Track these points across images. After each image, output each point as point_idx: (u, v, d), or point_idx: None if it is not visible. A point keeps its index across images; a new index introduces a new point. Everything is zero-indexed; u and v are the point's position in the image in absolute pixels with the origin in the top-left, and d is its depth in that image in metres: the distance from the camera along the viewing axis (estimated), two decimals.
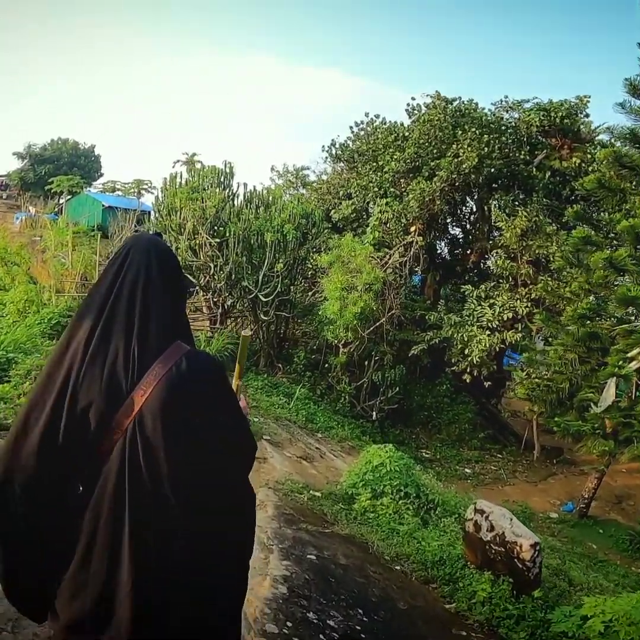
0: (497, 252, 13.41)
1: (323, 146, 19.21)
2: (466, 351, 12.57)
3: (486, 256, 17.01)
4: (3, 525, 1.40)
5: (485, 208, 16.80)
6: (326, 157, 19.35)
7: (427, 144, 15.02)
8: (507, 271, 12.96)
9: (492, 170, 13.98)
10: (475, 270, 16.77)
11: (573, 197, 15.46)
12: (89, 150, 50.64)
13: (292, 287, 15.94)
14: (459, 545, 6.00)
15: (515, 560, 4.75)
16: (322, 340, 15.28)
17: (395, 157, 15.42)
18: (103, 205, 33.35)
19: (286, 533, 4.73)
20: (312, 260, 14.84)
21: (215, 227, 15.43)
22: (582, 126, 16.26)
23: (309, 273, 17.45)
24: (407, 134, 16.52)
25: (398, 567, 5.54)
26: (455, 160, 13.71)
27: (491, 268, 16.12)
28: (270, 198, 16.57)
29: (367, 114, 18.41)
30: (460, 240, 18.12)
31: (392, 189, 15.12)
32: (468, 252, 17.84)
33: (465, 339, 12.42)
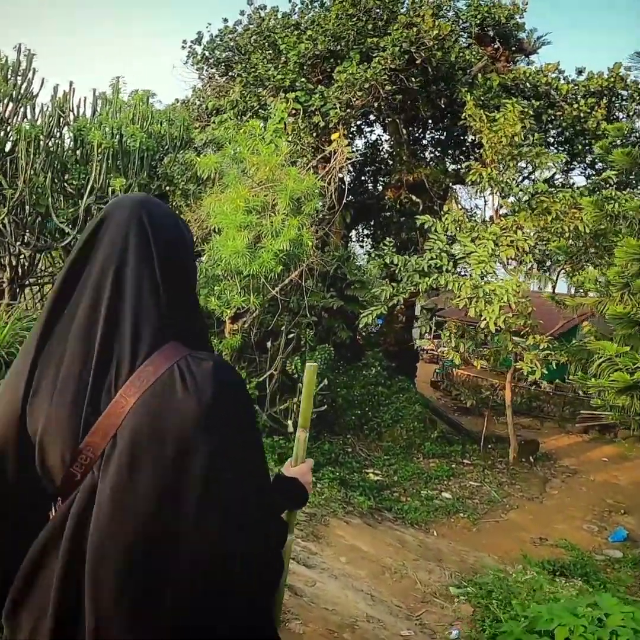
0: (469, 166, 8.96)
1: (184, 41, 12.78)
2: (474, 311, 7.86)
3: (404, 192, 12.60)
4: None
5: (405, 130, 12.34)
6: (188, 57, 12.86)
7: (356, 19, 9.91)
8: (495, 186, 8.56)
9: (459, 55, 9.45)
10: (398, 208, 12.21)
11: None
12: None
13: None
14: None
15: None
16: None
17: (306, 36, 10.08)
18: None
19: None
20: (179, 177, 9.02)
21: None
22: (524, 34, 12.54)
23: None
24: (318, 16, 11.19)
25: None
26: (411, 30, 8.88)
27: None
28: (100, 102, 10.20)
29: (250, 2, 12.37)
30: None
31: (302, 80, 9.76)
32: (378, 187, 13.35)
33: (469, 292, 7.67)
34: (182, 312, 1.09)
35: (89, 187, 8.54)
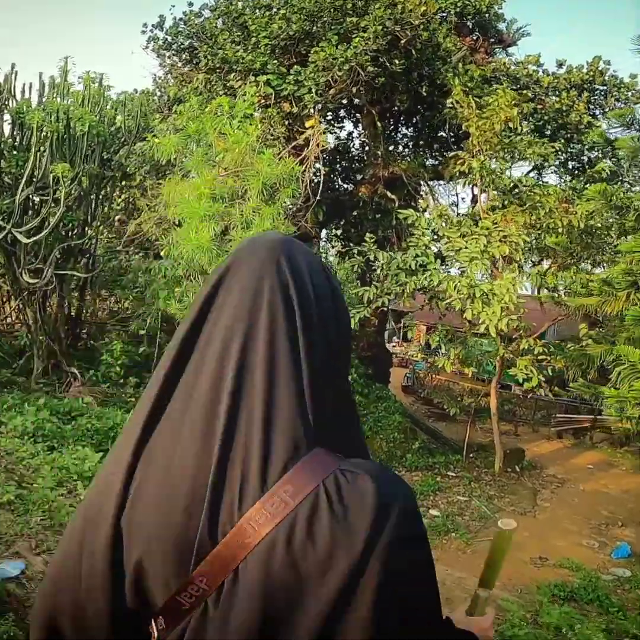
0: (457, 156, 8.38)
1: (145, 25, 11.69)
2: (470, 314, 7.16)
3: (378, 187, 11.95)
4: None
5: (380, 124, 11.67)
6: (148, 43, 11.74)
7: None
8: (487, 178, 7.96)
9: (446, 38, 8.88)
10: (373, 205, 11.54)
11: None
12: None
13: (89, 228, 8.89)
14: None
15: None
16: (155, 319, 8.73)
17: (280, 15, 9.31)
18: None
19: None
20: (135, 168, 8.09)
21: None
22: (503, 25, 12.09)
23: (117, 213, 10.49)
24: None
25: None
26: (395, 8, 8.24)
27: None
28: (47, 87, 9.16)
29: None
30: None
31: (274, 62, 8.96)
32: (351, 184, 12.67)
33: (465, 292, 6.98)
34: (330, 404, 0.75)
35: (27, 175, 7.51)
